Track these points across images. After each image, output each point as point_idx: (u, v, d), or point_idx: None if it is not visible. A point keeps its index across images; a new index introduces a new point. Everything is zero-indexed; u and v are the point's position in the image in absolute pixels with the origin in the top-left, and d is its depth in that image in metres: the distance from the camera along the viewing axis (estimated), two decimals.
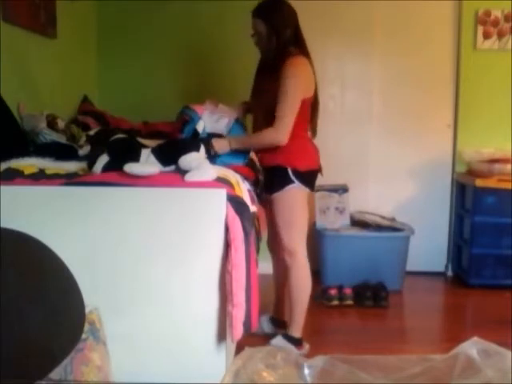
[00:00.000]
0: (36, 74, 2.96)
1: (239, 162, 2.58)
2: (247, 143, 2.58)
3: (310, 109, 2.66)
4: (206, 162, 2.01)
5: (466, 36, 4.03)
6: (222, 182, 1.96)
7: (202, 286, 1.87)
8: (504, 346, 1.03)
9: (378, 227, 3.81)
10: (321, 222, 3.84)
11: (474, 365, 1.00)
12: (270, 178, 2.63)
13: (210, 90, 3.62)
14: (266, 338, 2.77)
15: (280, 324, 2.93)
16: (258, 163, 2.72)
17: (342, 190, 3.87)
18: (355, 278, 3.60)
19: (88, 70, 3.92)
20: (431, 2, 4.01)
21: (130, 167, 1.86)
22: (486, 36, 4.01)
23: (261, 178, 2.66)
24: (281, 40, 2.57)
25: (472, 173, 3.93)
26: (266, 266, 2.83)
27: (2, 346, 0.91)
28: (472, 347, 1.02)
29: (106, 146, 2.06)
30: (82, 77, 3.77)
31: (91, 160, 2.00)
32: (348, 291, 3.50)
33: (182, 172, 1.92)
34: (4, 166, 1.95)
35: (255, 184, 2.61)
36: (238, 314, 1.81)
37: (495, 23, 4.00)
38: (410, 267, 3.89)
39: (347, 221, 3.87)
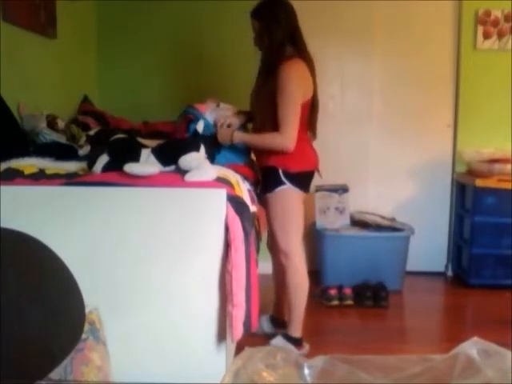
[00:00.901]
0: (36, 74, 2.96)
1: (239, 162, 2.59)
2: (250, 141, 2.59)
3: (309, 111, 2.64)
4: (206, 162, 2.01)
5: (466, 36, 4.03)
6: (222, 181, 1.96)
7: (202, 286, 1.87)
8: (504, 346, 1.03)
9: (378, 227, 3.81)
10: (321, 222, 3.84)
11: (474, 365, 1.00)
12: (263, 179, 2.63)
13: (210, 90, 3.61)
14: (265, 338, 2.77)
15: (280, 323, 2.94)
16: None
17: (342, 190, 3.87)
18: (355, 278, 3.60)
19: (88, 69, 3.93)
20: (431, 1, 4.01)
21: (130, 167, 1.86)
22: (486, 36, 4.01)
23: (260, 178, 2.67)
24: (273, 40, 2.55)
25: (472, 173, 3.93)
26: (266, 266, 2.83)
27: (2, 346, 0.91)
28: (472, 347, 1.02)
29: (106, 145, 2.06)
30: (82, 77, 3.77)
31: (91, 160, 2.00)
32: (348, 291, 3.50)
33: (182, 172, 1.92)
34: (4, 166, 1.95)
35: (255, 184, 2.61)
36: (238, 313, 1.81)
37: (495, 23, 4.00)
38: (410, 267, 3.89)
39: (347, 221, 3.87)
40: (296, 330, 2.73)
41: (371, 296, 3.48)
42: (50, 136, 2.52)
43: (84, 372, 1.66)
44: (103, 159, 1.96)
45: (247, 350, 1.03)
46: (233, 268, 1.79)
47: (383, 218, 3.95)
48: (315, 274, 4.00)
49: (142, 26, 4.04)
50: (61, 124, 2.73)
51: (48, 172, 1.98)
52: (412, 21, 4.05)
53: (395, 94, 4.13)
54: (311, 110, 2.66)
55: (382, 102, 4.14)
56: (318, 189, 3.87)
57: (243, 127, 2.72)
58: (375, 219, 3.89)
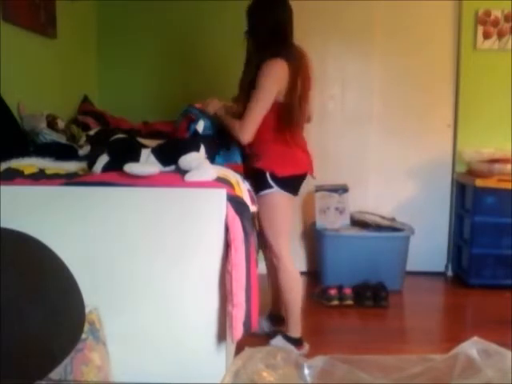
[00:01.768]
0: (36, 74, 2.96)
1: (237, 161, 2.59)
2: (223, 121, 2.59)
3: (289, 110, 2.56)
4: (206, 162, 2.01)
5: (466, 36, 4.03)
6: (222, 181, 1.96)
7: (201, 286, 1.87)
8: (504, 346, 1.03)
9: (378, 227, 3.81)
10: (321, 222, 3.84)
11: (474, 365, 1.00)
12: (253, 180, 2.61)
13: (210, 90, 3.62)
14: (266, 338, 2.77)
15: (279, 320, 2.94)
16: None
17: (342, 189, 3.87)
18: (355, 278, 3.60)
19: (88, 69, 3.93)
20: (431, 2, 4.01)
21: (130, 167, 1.86)
22: (486, 36, 4.01)
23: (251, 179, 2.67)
24: (255, 38, 2.59)
25: (472, 173, 3.93)
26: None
27: (2, 346, 0.91)
28: (472, 347, 1.02)
29: (106, 145, 2.06)
30: (82, 77, 3.77)
31: (91, 160, 2.00)
32: (348, 291, 3.50)
33: (182, 172, 1.92)
34: (4, 165, 1.95)
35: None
36: (238, 314, 1.81)
37: (495, 23, 4.00)
38: (409, 267, 3.89)
39: (347, 221, 3.87)
40: (295, 331, 2.74)
41: (371, 296, 3.48)
42: (50, 136, 2.52)
43: (84, 372, 1.66)
44: (103, 159, 1.96)
45: (247, 350, 1.02)
46: (233, 268, 1.79)
47: (383, 218, 3.95)
48: (315, 274, 4.01)
49: (141, 26, 4.04)
50: (61, 124, 2.73)
51: (48, 172, 1.98)
52: (412, 21, 4.05)
53: (395, 93, 4.13)
54: (295, 113, 2.58)
55: (382, 102, 4.14)
56: (318, 189, 3.87)
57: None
58: (375, 219, 3.89)
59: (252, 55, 2.67)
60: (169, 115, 3.52)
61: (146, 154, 1.97)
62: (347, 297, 3.49)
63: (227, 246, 1.84)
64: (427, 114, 4.13)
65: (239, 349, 1.17)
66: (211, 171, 1.94)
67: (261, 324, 2.89)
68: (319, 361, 1.04)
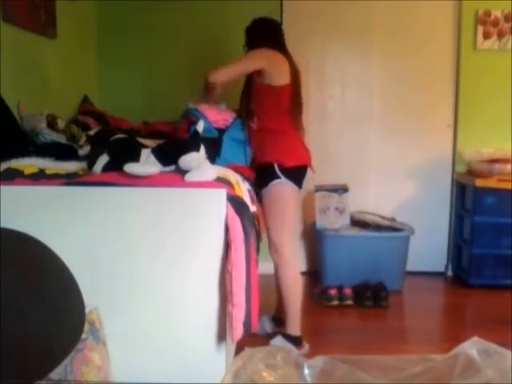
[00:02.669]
0: (36, 74, 2.96)
1: (241, 162, 2.59)
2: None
3: (289, 100, 2.72)
4: (206, 162, 2.01)
5: (466, 36, 4.03)
6: (222, 181, 1.96)
7: (201, 286, 1.87)
8: (504, 346, 1.03)
9: (378, 227, 3.81)
10: (321, 222, 3.84)
11: (474, 365, 1.00)
12: (259, 176, 2.67)
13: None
14: (266, 338, 2.77)
15: (282, 322, 2.94)
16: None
17: (342, 190, 3.87)
18: (355, 278, 3.60)
19: (88, 69, 3.93)
20: (431, 2, 4.01)
21: (130, 167, 1.86)
22: (486, 36, 4.01)
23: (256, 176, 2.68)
24: (254, 42, 2.75)
25: (472, 173, 3.93)
26: (266, 266, 2.83)
27: (1, 346, 0.91)
28: (472, 347, 1.02)
29: (106, 145, 2.06)
30: (82, 77, 3.77)
31: (91, 160, 2.00)
32: (348, 291, 3.50)
33: (182, 172, 1.92)
34: (4, 166, 1.95)
35: (255, 184, 2.62)
36: (238, 314, 1.81)
37: (495, 23, 4.00)
38: (409, 267, 3.89)
39: (347, 221, 3.87)
40: (294, 329, 2.74)
41: (371, 296, 3.48)
42: (50, 136, 2.52)
43: (84, 372, 1.66)
44: (103, 159, 1.96)
45: (247, 350, 1.02)
46: (233, 268, 1.79)
47: (383, 218, 3.95)
48: (315, 274, 4.01)
49: (142, 26, 4.04)
50: (61, 124, 2.73)
51: (48, 172, 1.97)
52: (412, 21, 4.05)
53: (395, 93, 4.13)
54: (292, 101, 2.74)
55: (382, 102, 4.14)
56: (318, 189, 3.87)
57: (241, 120, 2.74)
58: (375, 219, 3.89)
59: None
60: (169, 115, 3.51)
61: (145, 154, 1.97)
62: (347, 297, 3.49)
63: (227, 246, 1.84)
64: (427, 114, 4.13)
65: (239, 349, 1.17)
66: (211, 171, 1.94)
67: (263, 324, 2.90)
68: (319, 361, 1.04)
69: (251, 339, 1.91)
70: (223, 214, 1.85)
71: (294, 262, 2.73)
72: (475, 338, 1.04)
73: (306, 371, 1.03)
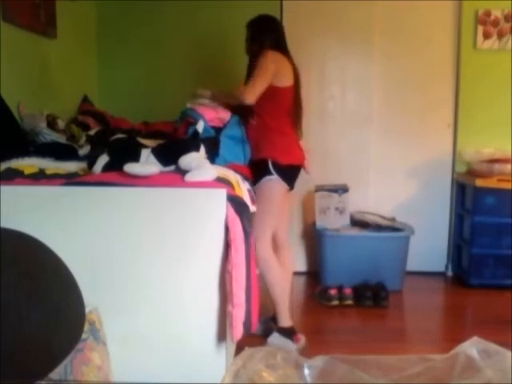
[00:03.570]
0: (36, 74, 2.97)
1: (240, 161, 2.59)
2: (224, 95, 2.73)
3: (290, 101, 2.79)
4: (206, 162, 2.01)
5: (466, 36, 4.03)
6: (222, 181, 1.96)
7: (202, 286, 1.87)
8: (504, 346, 1.03)
9: (378, 227, 3.81)
10: (321, 222, 3.84)
11: (473, 365, 1.00)
12: (253, 172, 2.68)
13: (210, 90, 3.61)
14: (265, 338, 2.78)
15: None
16: None
17: (342, 190, 3.87)
18: (355, 278, 3.60)
19: (88, 69, 3.93)
20: (431, 2, 4.01)
21: (130, 167, 1.86)
22: (486, 36, 4.01)
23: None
24: (261, 43, 2.77)
25: (472, 173, 3.93)
26: None
27: (2, 346, 0.91)
28: (472, 347, 1.02)
29: (106, 146, 2.06)
30: (82, 77, 3.77)
31: (91, 160, 2.00)
32: (348, 291, 3.50)
33: (182, 172, 1.92)
34: (4, 166, 1.95)
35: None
36: (238, 314, 1.81)
37: (495, 23, 4.00)
38: (410, 267, 3.90)
39: (347, 221, 3.87)
40: (284, 320, 2.78)
41: (371, 296, 3.48)
42: (50, 136, 2.52)
43: (84, 372, 1.66)
44: (103, 159, 1.96)
45: (247, 350, 1.02)
46: (233, 268, 1.79)
47: (383, 218, 3.95)
48: (315, 274, 4.01)
49: (141, 26, 4.04)
50: (61, 124, 2.73)
51: (48, 172, 1.97)
52: (412, 21, 4.05)
53: (395, 94, 4.13)
54: (293, 102, 2.81)
55: (382, 103, 4.14)
56: (318, 189, 3.87)
57: (239, 119, 2.74)
58: (375, 219, 3.89)
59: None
60: (169, 115, 3.51)
61: (145, 154, 1.97)
62: (347, 297, 3.49)
63: (227, 246, 1.83)
64: (427, 114, 4.13)
65: (239, 349, 1.17)
66: (211, 171, 1.94)
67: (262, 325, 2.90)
68: (319, 361, 1.04)
69: (251, 339, 1.91)
70: (223, 213, 1.85)
71: (272, 257, 2.73)
72: (475, 338, 1.04)
73: (306, 371, 1.03)
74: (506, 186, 3.69)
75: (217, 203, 1.85)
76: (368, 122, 4.15)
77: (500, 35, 4.01)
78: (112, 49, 4.05)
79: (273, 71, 2.67)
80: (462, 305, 3.68)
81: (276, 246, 2.84)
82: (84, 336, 1.68)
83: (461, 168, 4.10)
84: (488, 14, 3.99)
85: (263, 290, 2.21)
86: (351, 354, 1.06)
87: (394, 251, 3.80)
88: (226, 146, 2.55)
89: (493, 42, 4.02)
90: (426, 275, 4.13)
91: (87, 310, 1.39)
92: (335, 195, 3.85)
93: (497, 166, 3.75)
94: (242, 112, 2.74)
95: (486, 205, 3.79)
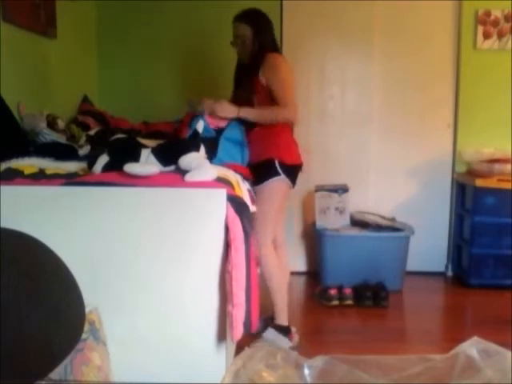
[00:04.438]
0: (36, 74, 2.97)
1: (237, 162, 2.59)
2: (258, 114, 2.69)
3: None
4: (206, 162, 2.01)
5: (466, 36, 4.03)
6: (222, 181, 1.96)
7: (202, 286, 1.87)
8: (504, 346, 1.03)
9: (378, 227, 3.81)
10: (321, 222, 3.84)
11: (473, 365, 1.00)
12: (256, 173, 2.65)
13: (210, 90, 3.62)
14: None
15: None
16: None
17: (342, 190, 3.87)
18: (355, 278, 3.60)
19: (88, 69, 3.93)
20: (431, 2, 4.01)
21: (130, 167, 1.86)
22: (486, 36, 4.01)
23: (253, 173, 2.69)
24: (262, 43, 2.75)
25: (472, 173, 3.93)
26: None
27: (2, 346, 0.91)
28: (472, 347, 1.02)
29: (106, 146, 2.06)
30: (82, 77, 3.77)
31: (91, 160, 2.00)
32: (348, 291, 3.50)
33: (182, 172, 1.92)
34: (4, 166, 1.95)
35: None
36: (238, 314, 1.81)
37: (495, 23, 4.00)
38: (410, 267, 3.90)
39: (347, 221, 3.87)
40: (282, 318, 2.78)
41: (371, 296, 3.48)
42: (50, 136, 2.52)
43: (84, 372, 1.66)
44: (103, 159, 1.96)
45: (247, 350, 1.02)
46: (233, 268, 1.79)
47: (383, 218, 3.95)
48: (315, 274, 4.01)
49: (142, 26, 4.04)
50: (61, 124, 2.73)
51: (48, 172, 1.97)
52: (412, 21, 4.05)
53: (395, 94, 4.13)
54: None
55: (382, 102, 4.14)
56: (318, 189, 3.87)
57: (239, 121, 2.73)
58: (375, 219, 3.89)
59: (243, 61, 2.85)
60: (169, 115, 3.52)
61: (145, 154, 1.97)
62: (347, 297, 3.49)
63: (227, 246, 1.84)
64: (427, 114, 4.13)
65: (239, 349, 1.17)
66: (211, 171, 1.94)
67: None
68: (319, 361, 1.04)
69: (251, 339, 1.91)
70: (223, 214, 1.85)
71: (273, 254, 2.73)
72: (475, 338, 1.04)
73: (306, 371, 1.03)
74: (506, 185, 3.69)
75: (217, 203, 1.85)
76: (368, 122, 4.15)
77: (500, 35, 4.01)
78: (112, 49, 4.05)
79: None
80: (462, 305, 3.68)
81: (275, 245, 2.83)
82: (84, 336, 1.68)
83: (461, 168, 4.10)
84: (488, 14, 3.99)
85: (263, 289, 2.21)
86: (351, 353, 1.06)
87: (394, 251, 3.80)
88: (224, 147, 2.55)
89: (493, 42, 4.02)
90: (426, 275, 4.13)
91: (87, 310, 1.39)
92: (335, 195, 3.85)
93: (497, 166, 3.75)
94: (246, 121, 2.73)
95: (486, 205, 3.79)
